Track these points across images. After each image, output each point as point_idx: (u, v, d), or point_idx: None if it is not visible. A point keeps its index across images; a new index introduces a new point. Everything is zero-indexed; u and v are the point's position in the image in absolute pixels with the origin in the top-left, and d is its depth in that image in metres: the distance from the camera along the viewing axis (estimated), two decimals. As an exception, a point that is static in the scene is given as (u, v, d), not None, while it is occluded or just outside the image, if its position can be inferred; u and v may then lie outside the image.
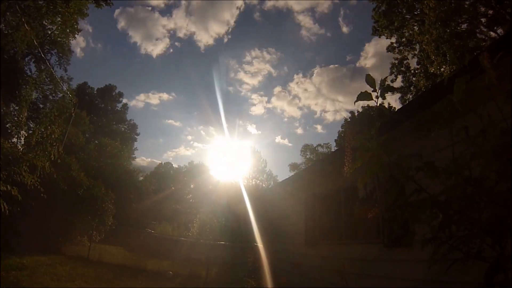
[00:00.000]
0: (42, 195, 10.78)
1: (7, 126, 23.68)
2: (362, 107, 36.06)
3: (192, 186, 53.59)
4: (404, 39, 22.15)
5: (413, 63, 23.18)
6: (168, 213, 38.86)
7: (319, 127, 71.67)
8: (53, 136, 10.09)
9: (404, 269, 4.23)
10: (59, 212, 11.93)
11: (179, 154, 75.97)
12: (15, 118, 23.01)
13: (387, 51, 23.61)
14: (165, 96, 73.67)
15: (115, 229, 16.14)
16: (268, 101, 77.78)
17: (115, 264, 10.49)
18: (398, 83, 24.72)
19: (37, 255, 9.40)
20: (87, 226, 13.15)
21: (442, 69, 17.37)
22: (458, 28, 17.13)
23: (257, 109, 74.30)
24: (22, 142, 14.04)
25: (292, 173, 44.22)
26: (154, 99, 74.16)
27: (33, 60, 28.05)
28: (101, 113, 43.32)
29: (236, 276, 9.79)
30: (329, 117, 71.04)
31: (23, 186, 7.93)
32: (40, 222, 11.16)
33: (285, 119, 72.37)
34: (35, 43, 20.73)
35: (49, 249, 10.71)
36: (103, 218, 14.29)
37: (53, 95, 25.97)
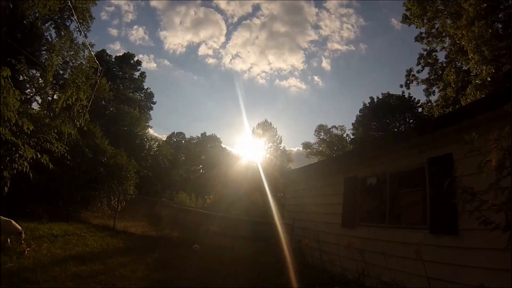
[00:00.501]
0: (67, 162, 10.67)
1: (27, 92, 23.73)
2: (382, 93, 34.85)
3: (203, 157, 54.07)
4: (434, 30, 21.06)
5: (441, 56, 22.15)
6: (184, 183, 39.38)
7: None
8: (80, 103, 9.79)
9: (448, 255, 4.41)
10: (83, 179, 11.85)
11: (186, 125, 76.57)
12: (37, 84, 23.00)
13: (415, 41, 22.74)
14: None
15: (135, 198, 16.05)
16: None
17: (141, 235, 10.44)
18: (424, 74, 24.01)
19: (61, 222, 9.36)
20: (110, 194, 13.10)
21: (481, 70, 15.99)
22: (495, 25, 15.92)
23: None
24: (45, 110, 13.91)
25: (306, 151, 43.93)
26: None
27: (53, 25, 27.69)
28: (118, 81, 43.08)
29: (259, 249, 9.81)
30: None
31: (49, 152, 7.70)
32: (64, 190, 11.10)
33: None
34: (56, 9, 20.32)
35: (72, 217, 10.70)
36: (126, 186, 14.24)
37: (73, 61, 25.79)
